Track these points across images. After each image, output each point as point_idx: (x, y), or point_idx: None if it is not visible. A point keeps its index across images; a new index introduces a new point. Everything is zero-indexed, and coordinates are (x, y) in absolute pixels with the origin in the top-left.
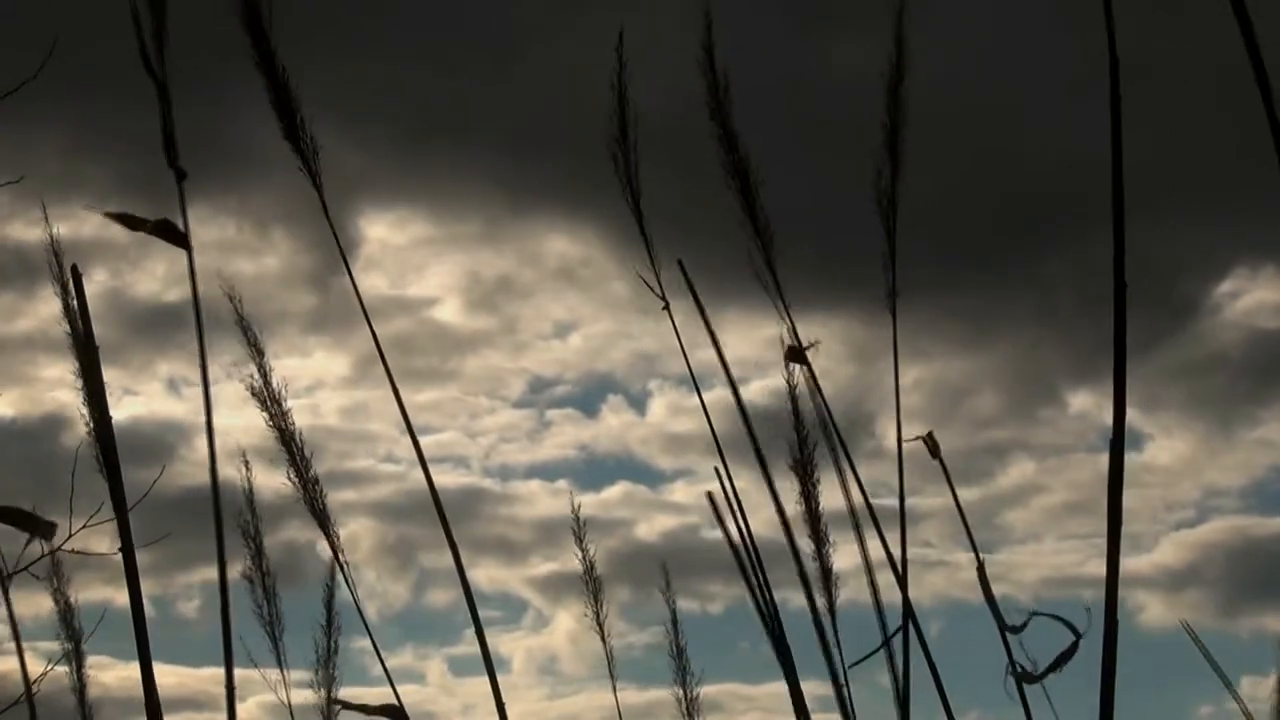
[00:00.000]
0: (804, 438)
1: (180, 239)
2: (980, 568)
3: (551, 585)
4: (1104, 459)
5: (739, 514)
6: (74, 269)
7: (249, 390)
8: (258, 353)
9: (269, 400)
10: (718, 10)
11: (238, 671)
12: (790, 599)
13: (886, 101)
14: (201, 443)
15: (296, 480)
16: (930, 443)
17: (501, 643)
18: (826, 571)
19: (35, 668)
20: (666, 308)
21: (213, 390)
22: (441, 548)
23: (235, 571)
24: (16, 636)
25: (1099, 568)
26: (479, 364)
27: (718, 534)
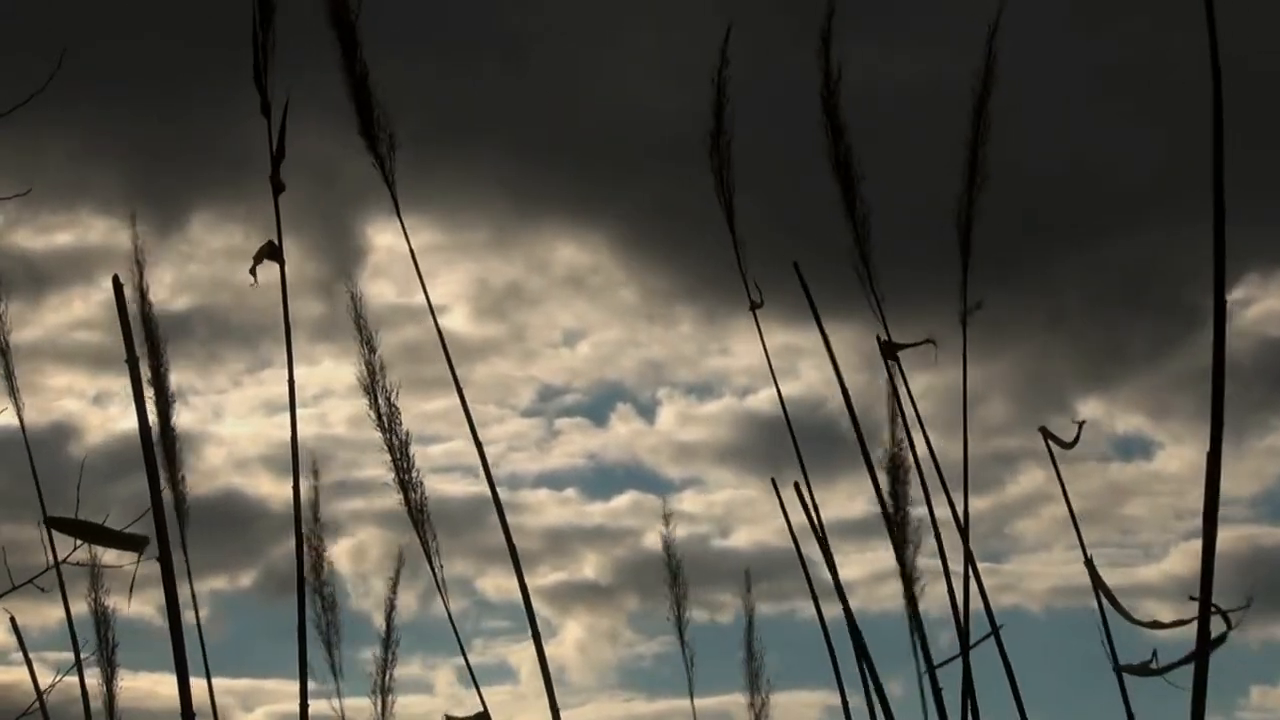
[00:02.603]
0: (896, 437)
1: (276, 254)
2: (1089, 561)
3: (559, 595)
4: (1113, 468)
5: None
6: (115, 279)
7: (359, 384)
8: (370, 349)
9: (376, 397)
10: (719, 13)
11: (247, 681)
12: (801, 608)
13: (972, 118)
14: (209, 452)
15: (397, 482)
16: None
17: (510, 653)
18: (907, 575)
19: (46, 680)
20: (754, 308)
21: (220, 399)
22: (450, 556)
23: (246, 580)
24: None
25: (1109, 577)
26: (487, 372)
27: (727, 543)
